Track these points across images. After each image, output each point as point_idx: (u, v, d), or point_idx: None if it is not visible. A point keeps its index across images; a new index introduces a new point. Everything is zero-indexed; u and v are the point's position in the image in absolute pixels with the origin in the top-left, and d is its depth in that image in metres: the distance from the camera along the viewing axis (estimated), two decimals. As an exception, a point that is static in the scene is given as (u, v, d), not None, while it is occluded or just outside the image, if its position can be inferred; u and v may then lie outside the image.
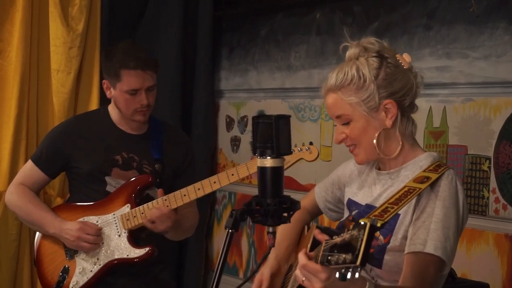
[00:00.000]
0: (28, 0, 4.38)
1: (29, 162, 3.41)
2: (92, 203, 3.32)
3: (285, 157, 2.71)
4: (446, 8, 3.70)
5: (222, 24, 5.26)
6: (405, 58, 2.17)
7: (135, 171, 3.30)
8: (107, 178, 3.29)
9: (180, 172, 3.40)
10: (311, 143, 3.00)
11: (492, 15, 3.49)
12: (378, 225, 1.77)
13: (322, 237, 2.04)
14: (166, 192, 3.23)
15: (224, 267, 1.95)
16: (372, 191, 2.27)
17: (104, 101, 4.59)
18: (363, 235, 1.63)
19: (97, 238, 3.24)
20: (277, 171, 1.96)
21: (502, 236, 3.44)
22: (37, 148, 3.51)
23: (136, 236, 3.28)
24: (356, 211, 2.27)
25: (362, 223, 1.64)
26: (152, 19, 5.04)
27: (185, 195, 3.16)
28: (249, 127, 5.01)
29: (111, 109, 3.37)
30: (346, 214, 2.37)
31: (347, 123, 2.19)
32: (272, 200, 1.95)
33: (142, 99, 3.22)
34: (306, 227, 2.55)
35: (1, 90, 4.43)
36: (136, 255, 3.23)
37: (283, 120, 1.96)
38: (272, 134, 1.93)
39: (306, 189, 4.47)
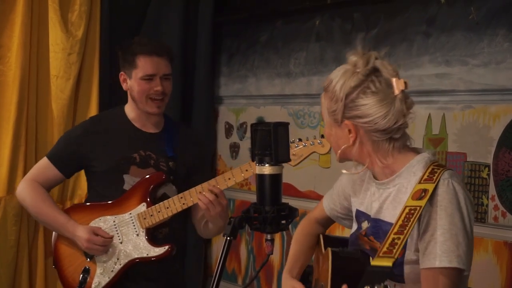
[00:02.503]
0: (27, 6, 4.38)
1: (44, 159, 3.42)
2: (108, 202, 3.34)
3: (298, 150, 2.76)
4: (446, 15, 3.70)
5: (222, 31, 5.26)
6: (399, 85, 2.12)
7: (152, 169, 3.32)
8: (125, 177, 3.31)
9: (196, 171, 3.40)
10: (322, 136, 3.00)
11: (492, 22, 3.49)
12: (390, 264, 1.88)
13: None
14: (181, 190, 3.25)
15: (223, 273, 1.95)
16: (373, 202, 2.27)
17: (103, 107, 4.61)
18: None
19: (106, 247, 3.27)
20: (276, 179, 1.97)
21: (501, 244, 3.44)
22: (53, 146, 3.53)
23: (154, 235, 3.31)
24: (366, 222, 2.28)
25: None
26: (152, 25, 5.04)
27: (200, 192, 3.17)
28: (248, 134, 5.01)
29: (127, 108, 3.39)
30: (355, 225, 2.37)
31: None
32: (270, 208, 1.96)
33: (156, 84, 3.25)
34: (321, 236, 2.55)
35: (0, 96, 4.42)
36: (156, 254, 3.26)
37: (282, 128, 1.97)
38: (271, 142, 1.94)
39: (305, 195, 4.47)
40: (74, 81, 4.54)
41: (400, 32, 3.93)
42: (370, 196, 2.29)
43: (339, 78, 2.15)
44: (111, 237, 3.28)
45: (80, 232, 3.26)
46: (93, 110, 4.61)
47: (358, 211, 2.35)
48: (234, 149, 5.11)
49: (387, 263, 1.90)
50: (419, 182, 2.10)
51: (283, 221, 1.98)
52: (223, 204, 3.13)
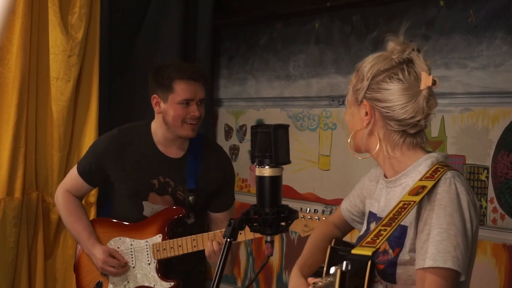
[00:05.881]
0: (27, 8, 4.38)
1: (75, 171, 3.49)
2: (128, 223, 3.41)
3: (309, 222, 2.74)
4: (445, 18, 3.71)
5: (221, 33, 5.27)
6: (427, 81, 2.10)
7: (169, 196, 3.36)
8: (144, 203, 3.36)
9: (218, 193, 3.45)
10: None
11: (491, 25, 3.50)
12: (369, 253, 1.87)
13: (311, 280, 2.13)
14: (200, 217, 3.39)
15: (222, 275, 1.96)
16: (380, 201, 2.27)
17: (103, 110, 4.62)
18: (335, 282, 1.64)
19: (120, 270, 3.35)
20: (276, 180, 1.97)
21: (500, 246, 3.44)
22: (82, 158, 3.58)
23: (165, 266, 3.36)
24: (374, 223, 2.24)
25: (333, 270, 1.65)
26: (151, 28, 5.04)
27: (212, 239, 3.20)
28: (248, 136, 5.02)
29: (154, 127, 3.39)
30: (365, 226, 2.35)
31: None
32: (270, 209, 1.96)
33: (194, 110, 3.25)
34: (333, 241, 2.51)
35: (0, 98, 4.42)
36: (161, 287, 3.34)
37: (282, 130, 1.98)
38: (271, 144, 1.94)
39: (304, 198, 4.48)
40: (74, 83, 4.55)
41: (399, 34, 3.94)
42: (379, 195, 2.28)
43: (371, 60, 2.17)
44: (126, 262, 3.37)
45: (97, 252, 3.35)
46: (93, 112, 4.61)
47: (370, 212, 2.33)
48: (234, 152, 5.11)
49: (367, 252, 1.90)
50: (420, 179, 2.08)
51: (283, 223, 1.98)
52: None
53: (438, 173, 2.07)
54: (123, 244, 3.40)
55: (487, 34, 3.52)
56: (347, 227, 2.56)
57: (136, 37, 5.04)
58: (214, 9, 5.11)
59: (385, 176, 2.25)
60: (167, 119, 3.29)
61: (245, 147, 5.03)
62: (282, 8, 4.68)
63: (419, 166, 2.14)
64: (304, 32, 4.57)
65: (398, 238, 2.07)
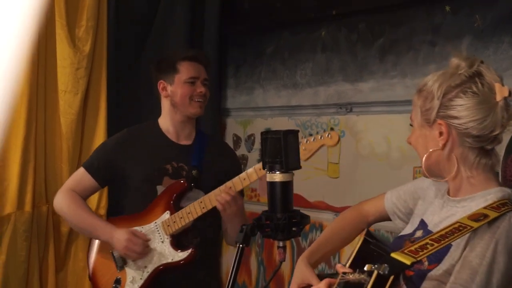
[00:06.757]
0: (34, 21, 4.40)
1: (81, 169, 3.52)
2: (135, 214, 3.44)
3: (308, 145, 2.74)
4: (451, 24, 3.71)
5: (228, 42, 5.28)
6: (502, 91, 2.04)
7: (184, 179, 3.41)
8: (158, 187, 3.41)
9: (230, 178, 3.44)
10: (332, 129, 3.02)
11: (497, 30, 3.50)
12: (408, 262, 1.80)
13: (340, 268, 2.01)
14: (216, 216, 3.38)
15: (235, 285, 1.96)
16: (435, 214, 2.19)
17: (112, 122, 4.63)
18: (368, 284, 1.63)
19: (144, 249, 3.35)
20: (287, 186, 1.98)
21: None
22: (89, 157, 3.60)
23: (178, 241, 3.38)
24: (421, 232, 2.18)
25: (368, 268, 1.65)
26: (158, 38, 5.06)
27: (218, 194, 3.26)
28: (257, 146, 5.02)
29: (161, 120, 3.55)
30: (410, 228, 2.27)
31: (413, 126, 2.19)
32: (282, 215, 1.97)
33: (199, 87, 3.44)
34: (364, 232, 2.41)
35: (9, 112, 4.44)
36: (180, 258, 3.34)
37: (292, 135, 1.98)
38: (281, 149, 1.95)
39: (314, 206, 4.48)
40: (82, 96, 4.57)
41: (405, 41, 3.95)
42: (436, 209, 2.21)
43: (437, 78, 2.10)
44: (149, 239, 3.37)
45: (120, 234, 3.35)
46: (101, 124, 4.63)
47: (421, 220, 2.24)
48: (242, 161, 5.12)
49: (407, 260, 1.83)
50: (485, 207, 1.99)
51: (294, 228, 1.99)
52: (238, 204, 3.26)
53: (506, 207, 1.99)
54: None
55: (493, 39, 3.52)
56: (381, 218, 2.49)
57: (143, 48, 5.06)
58: (221, 18, 5.12)
59: (449, 194, 2.18)
60: (175, 100, 3.46)
61: (254, 156, 5.04)
62: (289, 16, 4.69)
63: (488, 195, 2.06)
64: (310, 41, 4.58)
65: (438, 254, 1.98)
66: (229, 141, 5.25)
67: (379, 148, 4.11)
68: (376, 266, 1.64)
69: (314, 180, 4.47)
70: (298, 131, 2.00)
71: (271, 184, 1.97)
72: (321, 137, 3.07)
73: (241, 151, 5.15)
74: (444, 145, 2.09)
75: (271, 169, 1.97)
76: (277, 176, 1.96)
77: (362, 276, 1.68)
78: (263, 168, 2.01)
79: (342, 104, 4.35)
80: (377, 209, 2.48)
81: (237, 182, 3.25)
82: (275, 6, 4.75)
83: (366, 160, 4.18)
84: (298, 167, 1.99)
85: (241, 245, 1.95)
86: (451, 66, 2.12)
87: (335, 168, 4.40)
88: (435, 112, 2.07)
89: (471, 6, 3.63)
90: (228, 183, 3.26)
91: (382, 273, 1.63)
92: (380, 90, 4.11)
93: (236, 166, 3.61)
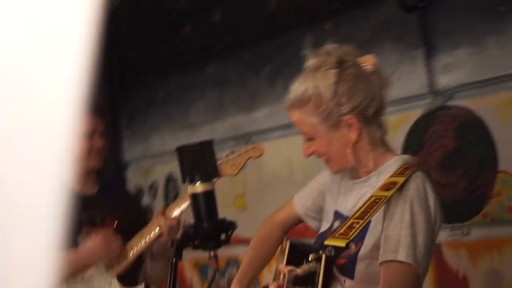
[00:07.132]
0: None
1: None
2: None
3: (234, 160, 2.76)
4: (333, 41, 3.82)
5: (117, 96, 5.27)
6: (369, 60, 2.09)
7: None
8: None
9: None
10: (253, 141, 3.04)
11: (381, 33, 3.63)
12: (343, 244, 1.84)
13: (283, 268, 2.04)
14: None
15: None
16: (347, 201, 2.20)
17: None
18: (320, 268, 1.66)
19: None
20: (209, 195, 1.99)
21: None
22: None
23: (124, 277, 3.21)
24: (338, 222, 2.18)
25: (318, 255, 1.67)
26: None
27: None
28: (161, 192, 4.99)
29: None
30: (326, 224, 2.27)
31: (312, 139, 2.15)
32: (208, 224, 1.98)
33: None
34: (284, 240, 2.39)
35: None
36: None
37: (207, 146, 2.01)
38: (198, 159, 1.98)
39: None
40: None
41: (293, 63, 4.03)
42: (344, 196, 2.23)
43: (312, 84, 2.08)
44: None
45: (89, 246, 3.06)
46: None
47: (336, 212, 2.25)
48: (148, 213, 5.07)
49: (341, 243, 1.86)
50: (391, 176, 2.05)
51: (223, 236, 2.01)
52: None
53: (409, 170, 2.05)
54: (75, 284, 3.28)
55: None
56: (295, 223, 2.50)
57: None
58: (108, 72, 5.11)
59: (354, 178, 2.20)
60: None
61: (159, 204, 4.99)
62: (174, 59, 4.74)
63: (390, 166, 2.11)
64: (199, 78, 4.63)
65: (360, 233, 1.99)
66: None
67: (281, 172, 4.16)
68: (321, 251, 1.67)
69: (221, 215, 4.46)
70: (212, 140, 2.03)
71: (194, 196, 1.98)
72: (246, 151, 3.08)
73: (145, 202, 5.08)
74: (359, 135, 2.11)
75: (192, 180, 1.98)
76: (199, 187, 1.98)
77: (311, 265, 1.70)
78: (183, 182, 2.02)
79: (239, 136, 4.39)
80: (289, 215, 2.49)
81: (172, 209, 3.20)
82: (160, 51, 4.79)
83: (271, 186, 4.21)
84: (218, 175, 2.02)
85: (173, 260, 1.96)
86: (311, 68, 2.12)
87: (241, 200, 4.42)
88: (336, 114, 2.08)
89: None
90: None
91: (329, 255, 1.65)
92: (274, 115, 4.17)
93: (142, 209, 3.54)
